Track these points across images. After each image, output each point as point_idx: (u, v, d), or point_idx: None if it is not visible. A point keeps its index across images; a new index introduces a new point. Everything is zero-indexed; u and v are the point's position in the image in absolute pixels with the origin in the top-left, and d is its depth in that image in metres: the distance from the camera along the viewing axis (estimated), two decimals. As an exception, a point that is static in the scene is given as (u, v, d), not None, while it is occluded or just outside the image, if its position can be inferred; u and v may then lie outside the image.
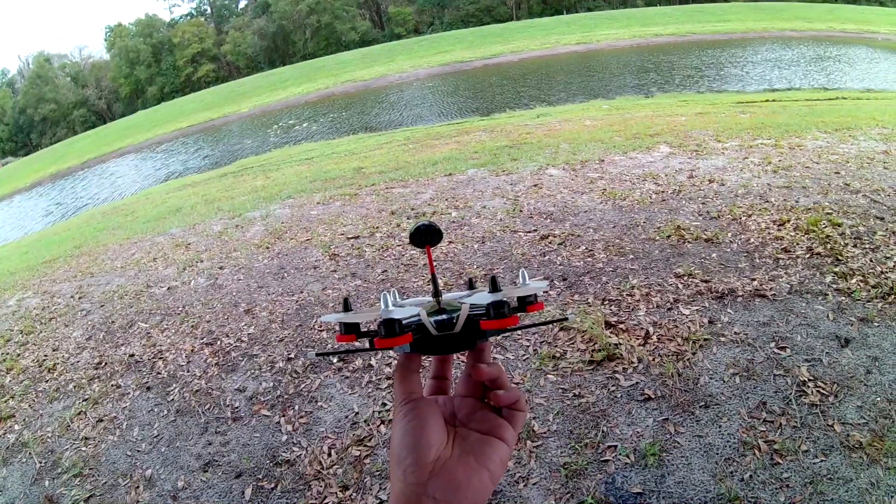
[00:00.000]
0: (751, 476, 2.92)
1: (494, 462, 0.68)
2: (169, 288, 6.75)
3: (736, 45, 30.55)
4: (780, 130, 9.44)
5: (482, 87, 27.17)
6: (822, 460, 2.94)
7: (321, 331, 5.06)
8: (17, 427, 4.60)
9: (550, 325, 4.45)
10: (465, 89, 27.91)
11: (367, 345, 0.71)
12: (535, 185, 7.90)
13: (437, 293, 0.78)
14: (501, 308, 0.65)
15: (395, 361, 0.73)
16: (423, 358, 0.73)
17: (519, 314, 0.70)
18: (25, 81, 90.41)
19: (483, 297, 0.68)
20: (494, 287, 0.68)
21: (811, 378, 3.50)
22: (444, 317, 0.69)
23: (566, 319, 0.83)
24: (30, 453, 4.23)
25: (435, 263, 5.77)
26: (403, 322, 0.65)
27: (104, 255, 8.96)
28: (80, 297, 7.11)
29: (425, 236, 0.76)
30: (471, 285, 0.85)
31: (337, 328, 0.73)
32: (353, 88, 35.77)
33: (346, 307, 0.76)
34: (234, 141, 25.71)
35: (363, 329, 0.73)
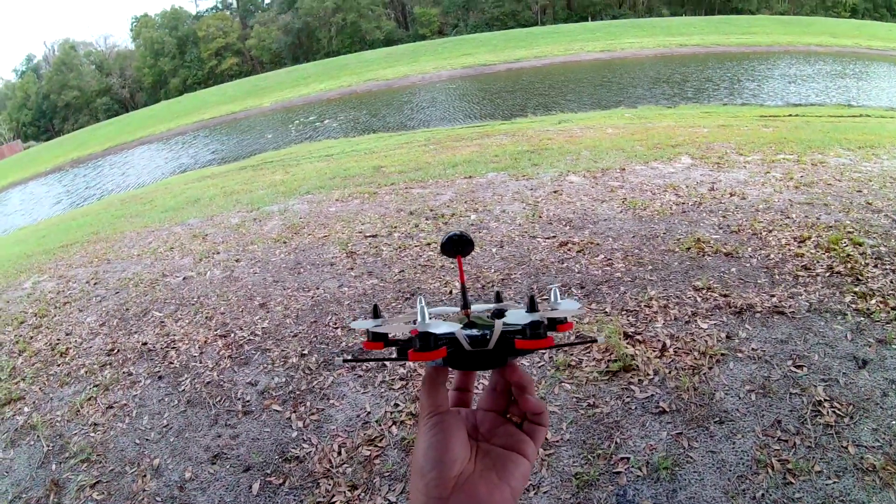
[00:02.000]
0: (763, 495, 2.88)
1: (516, 478, 0.68)
2: (184, 278, 6.77)
3: (760, 59, 30.36)
4: (802, 146, 9.36)
5: (504, 91, 27.10)
6: (834, 482, 2.90)
7: (336, 328, 5.06)
8: (26, 409, 4.63)
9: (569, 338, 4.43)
10: (487, 92, 27.87)
11: (393, 353, 0.71)
12: (555, 192, 7.88)
13: (466, 305, 0.78)
14: (538, 329, 0.63)
15: (423, 372, 0.72)
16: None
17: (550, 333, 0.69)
18: (50, 67, 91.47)
19: (518, 315, 0.67)
20: (533, 306, 0.66)
21: (827, 398, 3.46)
22: (478, 332, 0.68)
23: (595, 341, 0.81)
24: (38, 436, 4.25)
25: (452, 266, 5.76)
26: (440, 334, 0.64)
27: (121, 243, 9.01)
28: (95, 283, 7.15)
29: (458, 246, 0.76)
30: (498, 298, 0.84)
31: (365, 335, 0.73)
32: (376, 87, 35.86)
33: (376, 314, 0.75)
34: (254, 135, 25.81)
35: (392, 337, 0.72)
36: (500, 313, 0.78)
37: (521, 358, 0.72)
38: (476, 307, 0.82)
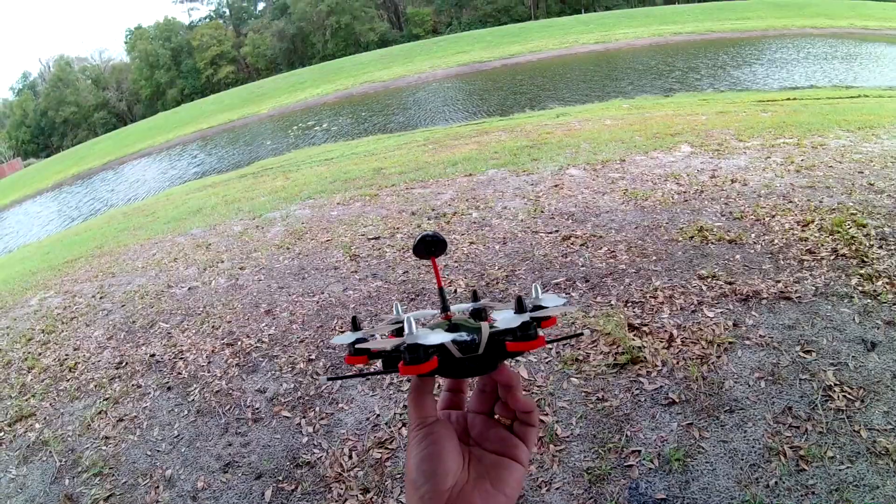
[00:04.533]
0: (776, 482, 2.87)
1: (510, 486, 0.67)
2: (190, 288, 6.78)
3: (756, 44, 30.29)
4: (801, 129, 9.34)
5: (501, 88, 27.06)
6: (847, 467, 2.89)
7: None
8: (37, 426, 4.63)
9: (567, 333, 4.42)
10: (483, 89, 27.83)
11: (378, 366, 0.69)
12: (555, 186, 7.87)
13: (445, 308, 0.76)
14: (529, 329, 0.62)
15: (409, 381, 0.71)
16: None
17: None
18: (46, 84, 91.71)
19: (505, 315, 0.65)
20: (521, 307, 0.64)
21: (837, 383, 3.45)
22: (467, 338, 0.66)
23: (581, 335, 0.80)
24: (50, 452, 4.25)
25: (456, 265, 5.78)
26: (430, 345, 0.62)
27: (125, 256, 9.02)
28: (101, 297, 7.16)
29: (430, 247, 0.75)
30: (475, 297, 0.82)
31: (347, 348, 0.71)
32: (372, 89, 35.81)
33: (356, 326, 0.74)
34: (253, 142, 25.82)
35: (375, 350, 0.70)
36: (479, 313, 0.77)
37: (510, 360, 0.70)
38: (454, 308, 0.80)
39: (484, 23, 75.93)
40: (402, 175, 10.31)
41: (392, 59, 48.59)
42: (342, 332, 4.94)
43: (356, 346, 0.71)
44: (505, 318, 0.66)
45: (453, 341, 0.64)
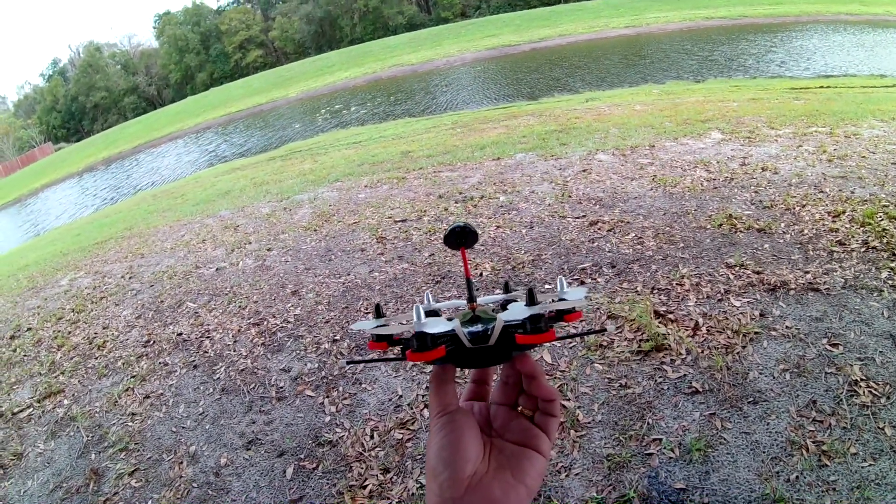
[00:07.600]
0: (797, 477, 2.84)
1: (531, 476, 0.67)
2: (217, 269, 6.84)
3: (788, 29, 29.74)
4: (835, 118, 9.17)
5: (530, 71, 26.79)
6: (870, 464, 2.85)
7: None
8: (66, 402, 4.73)
9: (588, 318, 4.40)
10: (512, 73, 27.60)
11: (399, 353, 0.72)
12: (584, 171, 7.82)
13: (472, 298, 0.77)
14: (538, 322, 0.63)
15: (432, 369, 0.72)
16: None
17: (556, 324, 0.69)
18: (77, 70, 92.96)
19: (519, 309, 0.66)
20: (532, 300, 0.66)
21: (863, 378, 3.39)
22: (479, 328, 0.68)
23: (604, 331, 0.80)
24: (77, 427, 4.34)
25: (482, 248, 5.77)
26: (438, 333, 0.64)
27: (154, 237, 9.13)
28: (130, 278, 7.26)
29: (461, 238, 0.76)
30: (506, 288, 0.84)
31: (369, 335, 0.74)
32: (401, 73, 35.71)
33: (378, 313, 0.77)
34: (281, 125, 25.90)
35: (396, 336, 0.73)
36: (507, 305, 0.78)
37: (530, 351, 0.71)
38: (484, 299, 0.82)
39: (513, 6, 75.32)
40: (429, 158, 10.31)
41: (420, 43, 48.41)
42: (365, 316, 5.00)
43: (377, 332, 0.72)
44: (515, 310, 0.67)
45: (465, 332, 0.66)
